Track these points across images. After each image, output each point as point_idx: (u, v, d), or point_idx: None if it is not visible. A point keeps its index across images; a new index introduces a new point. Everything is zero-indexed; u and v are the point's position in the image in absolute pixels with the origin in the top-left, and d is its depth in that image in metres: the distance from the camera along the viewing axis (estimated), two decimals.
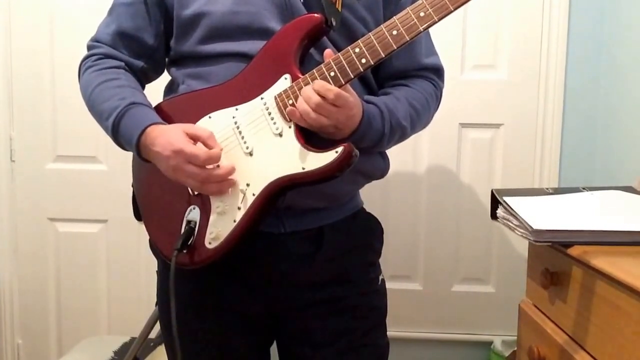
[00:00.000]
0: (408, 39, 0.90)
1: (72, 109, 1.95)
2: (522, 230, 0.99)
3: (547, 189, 1.23)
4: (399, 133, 1.06)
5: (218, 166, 0.94)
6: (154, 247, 1.10)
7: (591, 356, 0.91)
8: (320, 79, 0.92)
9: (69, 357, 1.81)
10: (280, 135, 0.95)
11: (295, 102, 0.93)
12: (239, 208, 0.95)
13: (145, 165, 1.02)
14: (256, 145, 0.97)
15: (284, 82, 0.96)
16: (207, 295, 1.07)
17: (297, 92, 0.93)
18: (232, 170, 0.95)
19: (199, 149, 0.93)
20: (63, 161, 2.03)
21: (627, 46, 1.68)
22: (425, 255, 1.95)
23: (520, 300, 1.21)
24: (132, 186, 1.13)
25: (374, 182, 1.14)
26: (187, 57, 1.07)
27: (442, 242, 1.93)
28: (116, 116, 1.01)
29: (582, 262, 0.93)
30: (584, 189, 1.20)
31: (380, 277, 1.14)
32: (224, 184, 0.95)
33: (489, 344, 1.90)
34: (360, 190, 1.16)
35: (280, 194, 0.95)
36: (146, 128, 0.98)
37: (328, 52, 0.94)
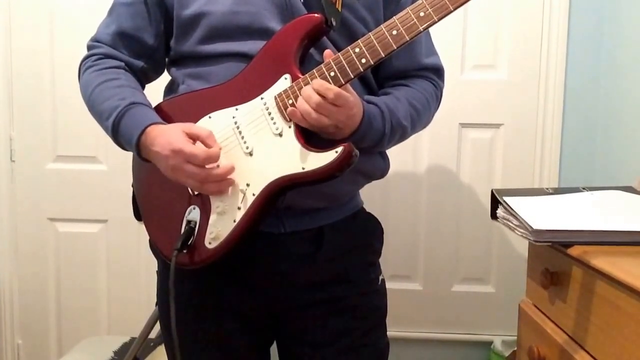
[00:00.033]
0: (408, 39, 0.90)
1: (72, 109, 1.95)
2: (522, 230, 0.99)
3: (547, 189, 1.23)
4: (400, 133, 1.06)
5: (218, 166, 0.94)
6: (154, 247, 1.10)
7: (591, 356, 0.91)
8: (320, 78, 0.92)
9: (69, 357, 1.80)
10: (280, 135, 0.95)
11: (295, 102, 0.93)
12: (239, 208, 0.95)
13: (145, 165, 1.02)
14: (256, 145, 0.96)
15: (284, 82, 0.96)
16: (207, 295, 1.07)
17: (297, 92, 0.93)
18: (231, 170, 0.95)
19: (198, 149, 0.93)
20: (63, 161, 2.03)
21: (627, 46, 1.68)
22: (425, 255, 1.95)
23: (520, 300, 1.21)
24: (132, 186, 1.13)
25: (374, 182, 1.14)
26: (187, 57, 1.07)
27: (442, 242, 1.93)
28: (116, 116, 1.01)
29: (582, 262, 0.92)
30: (584, 189, 1.20)
31: (380, 277, 1.14)
32: (224, 183, 0.95)
33: (489, 344, 1.90)
34: (360, 190, 1.16)
35: (280, 194, 0.95)
36: (146, 128, 0.98)
37: (328, 52, 0.94)
